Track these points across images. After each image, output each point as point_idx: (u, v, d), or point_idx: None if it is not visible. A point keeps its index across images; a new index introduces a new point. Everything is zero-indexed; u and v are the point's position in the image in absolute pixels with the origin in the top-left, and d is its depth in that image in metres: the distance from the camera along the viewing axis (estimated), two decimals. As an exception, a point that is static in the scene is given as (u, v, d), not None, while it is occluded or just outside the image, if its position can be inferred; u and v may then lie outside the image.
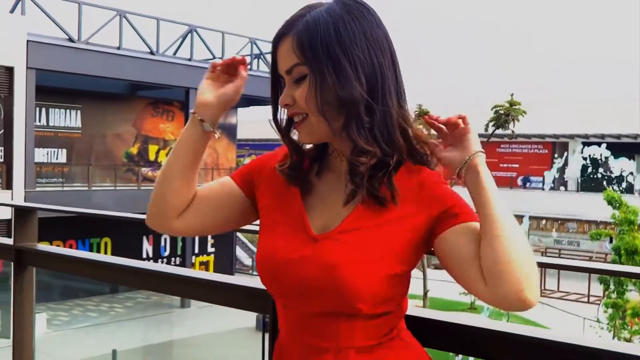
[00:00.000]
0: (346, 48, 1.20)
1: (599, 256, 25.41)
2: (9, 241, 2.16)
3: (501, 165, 32.24)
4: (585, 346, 1.31)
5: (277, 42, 1.25)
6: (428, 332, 1.43)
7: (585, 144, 30.29)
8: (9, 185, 16.95)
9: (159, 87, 19.87)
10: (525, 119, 29.95)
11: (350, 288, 1.18)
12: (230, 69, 1.35)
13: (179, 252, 22.80)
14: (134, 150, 22.00)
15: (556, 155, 31.18)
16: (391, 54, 1.26)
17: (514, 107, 13.63)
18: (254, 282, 1.60)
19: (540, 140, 31.50)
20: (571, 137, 30.51)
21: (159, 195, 1.34)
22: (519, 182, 32.02)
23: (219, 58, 19.23)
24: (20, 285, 2.13)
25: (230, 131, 24.78)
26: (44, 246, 2.23)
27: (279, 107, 1.29)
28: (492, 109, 13.85)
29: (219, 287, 1.75)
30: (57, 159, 20.37)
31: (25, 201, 17.09)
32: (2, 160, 17.44)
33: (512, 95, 13.84)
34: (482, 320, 1.48)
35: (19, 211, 2.14)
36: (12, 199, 16.99)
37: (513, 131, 14.17)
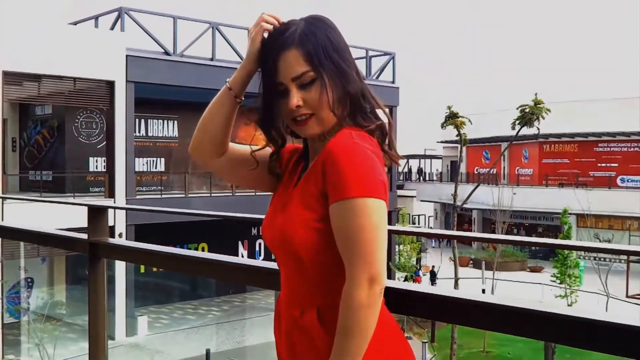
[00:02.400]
0: (339, 51, 1.45)
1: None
2: (84, 236, 2.39)
3: (599, 165, 31.18)
4: (538, 310, 1.41)
5: (278, 54, 1.44)
6: (395, 300, 1.54)
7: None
8: (111, 194, 17.67)
9: (252, 96, 20.27)
10: (623, 116, 28.94)
11: (289, 238, 1.39)
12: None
13: (273, 257, 23.21)
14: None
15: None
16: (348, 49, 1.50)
17: (538, 106, 13.32)
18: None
19: (640, 138, 30.23)
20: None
21: (199, 137, 1.62)
22: (619, 181, 30.84)
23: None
24: (94, 275, 2.35)
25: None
26: (114, 240, 2.45)
27: (273, 110, 1.49)
28: (517, 108, 13.67)
29: (252, 270, 1.93)
30: (156, 167, 21.07)
31: (126, 213, 17.84)
32: (104, 169, 18.28)
33: (536, 94, 13.55)
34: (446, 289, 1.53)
35: (92, 210, 2.36)
36: (115, 212, 17.74)
37: (539, 129, 13.86)
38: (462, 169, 30.99)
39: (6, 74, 15.90)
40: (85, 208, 2.41)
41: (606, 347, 1.31)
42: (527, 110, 13.53)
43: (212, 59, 18.78)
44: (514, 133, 18.44)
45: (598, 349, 1.34)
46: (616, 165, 30.82)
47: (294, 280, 1.46)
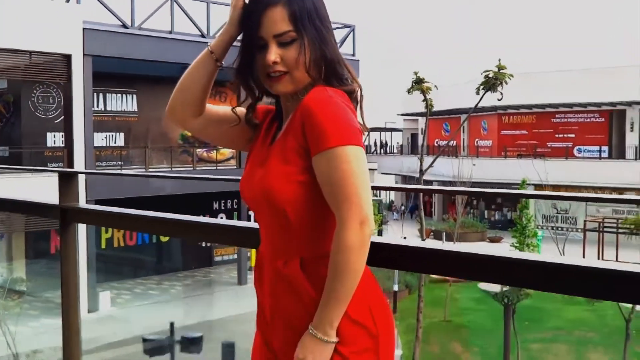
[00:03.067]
0: (322, 19, 1.53)
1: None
2: (55, 202, 2.47)
3: (556, 135, 31.68)
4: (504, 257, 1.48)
5: (264, 9, 1.49)
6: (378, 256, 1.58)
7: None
8: (72, 168, 17.52)
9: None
10: (581, 87, 29.38)
11: (271, 193, 1.45)
12: None
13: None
14: (189, 132, 22.49)
15: (614, 124, 30.52)
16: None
17: (501, 71, 13.65)
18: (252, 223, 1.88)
19: (597, 109, 30.75)
20: (629, 104, 29.66)
21: (177, 98, 1.66)
22: (575, 152, 31.33)
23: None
24: (66, 240, 2.42)
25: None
26: (85, 205, 2.54)
27: (252, 62, 1.54)
28: (482, 73, 13.99)
29: (228, 230, 2.04)
30: (115, 142, 20.91)
31: (86, 184, 17.72)
32: (62, 144, 18.08)
33: (499, 60, 13.88)
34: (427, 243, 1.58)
35: (63, 175, 2.44)
36: (77, 232, 17.58)
37: (502, 94, 14.16)
38: (423, 139, 31.17)
39: (-42, 47, 15.61)
40: (49, 177, 2.48)
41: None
42: (490, 75, 13.74)
43: (170, 32, 18.59)
44: (472, 105, 18.67)
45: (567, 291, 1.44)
46: (573, 136, 31.26)
47: (276, 233, 1.50)
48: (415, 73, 14.40)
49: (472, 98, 17.59)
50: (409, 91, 14.93)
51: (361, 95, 1.54)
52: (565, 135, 31.46)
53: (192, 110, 1.64)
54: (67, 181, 2.42)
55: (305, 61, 1.47)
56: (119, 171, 19.37)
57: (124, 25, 17.85)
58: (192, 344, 11.63)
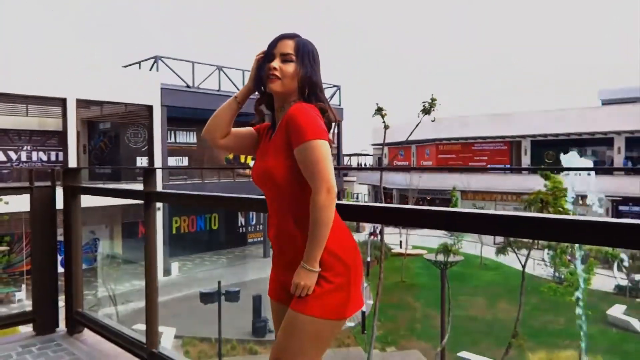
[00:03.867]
0: (315, 61, 1.56)
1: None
2: (141, 188, 2.51)
3: (475, 158, 31.68)
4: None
5: (281, 38, 1.55)
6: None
7: (532, 142, 29.67)
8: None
9: (247, 114, 20.19)
10: (491, 126, 29.54)
11: (270, 174, 1.48)
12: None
13: (261, 221, 23.32)
14: (231, 156, 22.56)
15: (513, 150, 30.59)
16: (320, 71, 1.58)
17: (434, 101, 13.72)
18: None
19: (502, 140, 30.87)
20: (523, 137, 29.79)
21: (212, 126, 1.66)
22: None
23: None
24: (148, 216, 2.46)
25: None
26: (160, 190, 2.57)
27: (265, 68, 1.53)
28: (421, 103, 13.99)
29: (251, 201, 2.07)
30: (182, 163, 20.95)
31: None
32: (147, 165, 18.15)
33: (432, 94, 14.01)
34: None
35: (146, 171, 2.49)
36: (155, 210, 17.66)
37: (434, 118, 14.25)
38: (385, 161, 31.27)
39: (79, 100, 15.70)
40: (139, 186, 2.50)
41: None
42: (426, 105, 13.78)
43: (218, 90, 18.72)
44: (420, 138, 18.79)
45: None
46: (486, 158, 31.38)
47: (276, 201, 1.52)
48: (377, 104, 14.40)
49: (419, 134, 17.69)
50: (373, 115, 14.77)
51: (334, 117, 1.56)
52: (480, 158, 31.53)
53: (220, 133, 1.66)
54: (149, 175, 2.47)
55: (294, 75, 1.51)
56: (183, 165, 19.57)
57: (188, 85, 17.95)
58: (232, 295, 11.62)
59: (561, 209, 12.03)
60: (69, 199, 3.16)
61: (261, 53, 1.59)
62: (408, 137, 15.00)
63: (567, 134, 27.78)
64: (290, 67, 1.51)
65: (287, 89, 1.53)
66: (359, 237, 23.96)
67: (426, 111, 13.60)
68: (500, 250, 14.11)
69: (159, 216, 18.00)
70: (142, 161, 18.46)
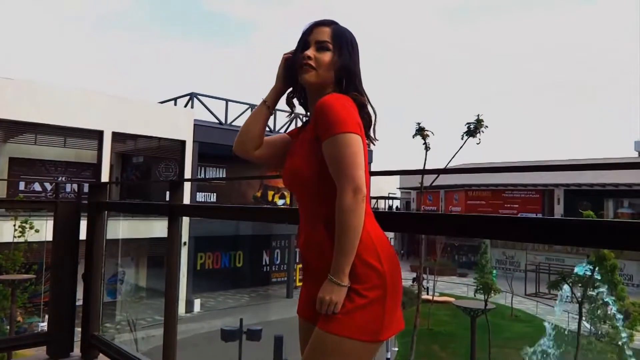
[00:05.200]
0: (354, 49, 1.41)
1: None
2: (166, 203, 2.36)
3: (505, 205, 31.01)
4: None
5: (317, 25, 1.41)
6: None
7: (566, 191, 28.86)
8: (180, 215, 17.65)
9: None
10: (522, 174, 28.96)
11: (297, 174, 1.33)
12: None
13: (285, 261, 22.98)
14: (259, 194, 22.57)
15: (545, 199, 29.80)
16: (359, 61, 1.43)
17: (480, 122, 12.83)
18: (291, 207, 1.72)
19: (534, 188, 30.17)
20: (556, 186, 29.07)
21: (242, 137, 1.51)
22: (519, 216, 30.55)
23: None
24: (172, 231, 2.30)
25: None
26: (185, 203, 2.42)
27: (299, 57, 1.40)
28: (465, 125, 12.93)
29: (273, 211, 1.89)
30: (210, 199, 20.91)
31: (189, 226, 17.76)
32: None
33: (478, 115, 12.97)
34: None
35: (173, 183, 2.35)
36: (181, 225, 17.70)
37: (480, 139, 13.09)
38: (414, 205, 30.82)
39: (115, 133, 16.04)
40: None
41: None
42: (471, 126, 12.86)
43: (250, 128, 18.91)
44: (447, 183, 18.30)
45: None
46: (517, 205, 30.68)
47: (305, 204, 1.37)
48: (418, 123, 13.46)
49: (446, 179, 17.34)
50: (413, 136, 13.74)
51: (374, 113, 1.39)
52: (511, 205, 30.81)
53: (253, 144, 1.50)
54: (175, 188, 2.32)
55: (331, 63, 1.36)
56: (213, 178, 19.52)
57: (220, 122, 18.21)
58: (254, 334, 11.27)
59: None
60: (94, 214, 3.03)
61: (289, 53, 1.46)
62: (450, 159, 14.08)
63: (602, 185, 26.98)
64: (326, 56, 1.37)
65: (323, 80, 1.38)
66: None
67: (471, 133, 12.79)
68: (553, 284, 13.26)
69: (184, 252, 17.93)
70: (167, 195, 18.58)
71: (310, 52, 1.38)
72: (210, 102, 18.32)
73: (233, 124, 18.60)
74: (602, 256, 13.16)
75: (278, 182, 23.09)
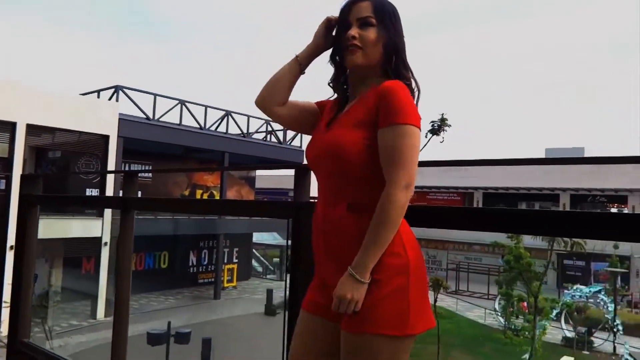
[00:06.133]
0: (398, 22, 1.34)
1: (494, 267, 25.34)
2: (119, 195, 2.20)
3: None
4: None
5: (355, 2, 1.34)
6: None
7: (484, 194, 30.54)
8: (100, 214, 16.71)
9: (205, 151, 19.94)
10: (444, 177, 30.30)
11: (339, 150, 1.25)
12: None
13: (213, 262, 22.45)
14: (186, 192, 21.90)
15: (466, 202, 31.33)
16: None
17: (444, 121, 13.21)
18: (280, 202, 1.66)
19: (455, 191, 31.63)
20: (475, 189, 30.65)
21: (268, 90, 1.42)
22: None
23: (247, 133, 18.98)
24: (125, 225, 2.15)
25: (250, 182, 24.79)
26: (140, 197, 2.27)
27: (342, 40, 1.33)
28: (429, 123, 13.21)
29: (258, 205, 1.81)
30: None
31: (111, 226, 16.89)
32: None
33: (442, 114, 13.34)
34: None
35: (127, 175, 2.20)
36: (102, 225, 16.79)
37: (444, 137, 13.41)
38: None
39: (29, 126, 14.91)
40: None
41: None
42: (435, 125, 13.03)
43: (179, 124, 18.33)
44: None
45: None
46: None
47: (332, 182, 1.29)
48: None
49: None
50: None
51: (419, 91, 1.34)
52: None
53: (278, 99, 1.41)
54: (129, 179, 2.16)
55: (378, 41, 1.30)
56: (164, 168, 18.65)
57: (148, 118, 17.48)
58: (182, 337, 10.90)
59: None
60: (25, 210, 2.76)
61: (333, 17, 1.39)
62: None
63: (516, 189, 28.81)
64: (371, 33, 1.31)
65: (371, 59, 1.31)
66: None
67: (434, 132, 12.92)
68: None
69: (105, 252, 17.02)
70: (91, 193, 17.56)
71: (354, 32, 1.31)
72: (138, 97, 17.53)
73: (162, 119, 17.91)
74: (519, 255, 14.02)
75: (206, 181, 22.54)
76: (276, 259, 28.80)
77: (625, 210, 27.26)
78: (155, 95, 17.56)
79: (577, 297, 19.35)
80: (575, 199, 28.18)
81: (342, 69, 1.39)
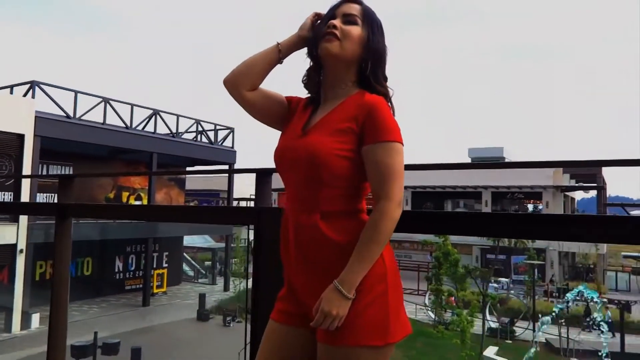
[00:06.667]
0: (382, 32, 1.31)
1: (424, 264, 26.27)
2: (54, 202, 2.01)
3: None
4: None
5: (347, 1, 1.31)
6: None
7: (413, 193, 31.56)
8: (16, 219, 15.56)
9: (132, 152, 19.07)
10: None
11: (318, 160, 1.21)
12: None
13: (141, 267, 21.53)
14: (111, 195, 20.86)
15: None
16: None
17: None
18: (240, 208, 1.58)
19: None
20: (405, 188, 31.62)
21: (241, 70, 1.34)
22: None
23: (176, 133, 18.38)
24: (61, 234, 1.96)
25: (180, 184, 24.05)
26: (80, 203, 2.08)
27: (324, 27, 1.29)
28: None
29: (216, 211, 1.70)
30: (53, 200, 18.88)
31: (27, 232, 15.76)
32: (11, 201, 16.07)
33: None
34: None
35: (63, 178, 2.01)
36: (17, 231, 15.65)
37: None
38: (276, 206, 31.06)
39: None
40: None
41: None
42: None
43: (103, 123, 17.40)
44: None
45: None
46: (370, 207, 32.57)
47: (305, 191, 1.24)
48: None
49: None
50: None
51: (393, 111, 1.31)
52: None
53: (249, 82, 1.33)
54: (65, 184, 1.98)
55: (359, 41, 1.27)
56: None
57: (68, 116, 16.44)
58: (110, 348, 10.33)
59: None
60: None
61: (322, 13, 1.35)
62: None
63: (443, 187, 30.02)
64: (353, 29, 1.27)
65: (346, 54, 1.27)
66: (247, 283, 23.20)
67: None
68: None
69: (20, 261, 15.84)
70: (3, 196, 16.27)
71: (336, 22, 1.27)
72: (57, 93, 16.43)
73: (83, 118, 16.91)
74: (447, 252, 14.60)
75: (133, 183, 21.59)
76: (208, 262, 28.15)
77: (540, 206, 29.27)
78: (76, 92, 16.55)
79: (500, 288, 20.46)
80: (496, 196, 29.83)
81: (317, 67, 1.35)
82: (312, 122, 1.30)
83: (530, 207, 30.99)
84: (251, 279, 1.50)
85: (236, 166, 23.57)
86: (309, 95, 1.38)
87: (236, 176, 25.51)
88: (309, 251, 1.22)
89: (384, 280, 1.19)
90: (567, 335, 15.74)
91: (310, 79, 1.36)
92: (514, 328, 18.49)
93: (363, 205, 1.27)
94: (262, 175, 1.60)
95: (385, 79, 1.30)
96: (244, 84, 1.33)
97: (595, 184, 29.41)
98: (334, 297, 1.14)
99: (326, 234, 1.20)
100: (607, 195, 32.74)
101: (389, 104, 1.28)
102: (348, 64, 1.28)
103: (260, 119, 1.39)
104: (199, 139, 21.52)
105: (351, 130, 1.22)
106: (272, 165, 1.35)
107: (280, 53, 1.35)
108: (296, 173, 1.26)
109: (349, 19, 1.28)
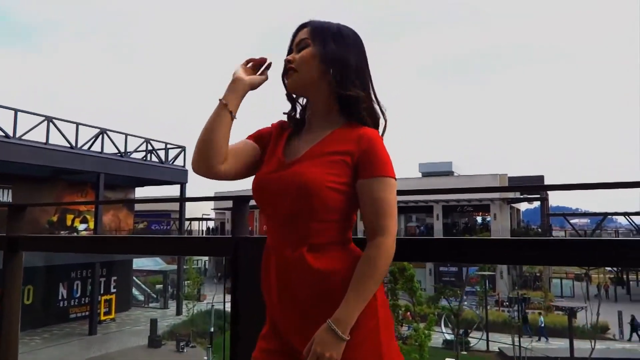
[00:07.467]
0: (342, 38, 1.26)
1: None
2: (2, 233, 1.82)
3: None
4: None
5: (297, 31, 1.29)
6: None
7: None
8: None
9: (77, 172, 18.26)
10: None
11: (309, 192, 1.15)
12: (256, 68, 1.31)
13: (87, 294, 20.50)
14: (54, 218, 19.84)
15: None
16: (360, 54, 1.27)
17: None
18: (215, 238, 1.48)
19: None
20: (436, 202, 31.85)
21: (205, 148, 1.22)
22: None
23: (124, 152, 17.77)
24: (11, 269, 1.78)
25: (129, 205, 23.22)
26: (33, 235, 1.91)
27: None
28: None
29: (188, 242, 1.60)
30: (-10, 226, 17.75)
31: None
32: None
33: None
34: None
35: (13, 208, 1.83)
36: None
37: None
38: (229, 226, 30.41)
39: None
40: None
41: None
42: None
43: (46, 143, 16.59)
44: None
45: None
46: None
47: (290, 224, 1.18)
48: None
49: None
50: None
51: (384, 119, 1.28)
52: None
53: (219, 157, 1.22)
54: (15, 214, 1.81)
55: (312, 59, 1.23)
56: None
57: (7, 136, 15.57)
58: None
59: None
60: None
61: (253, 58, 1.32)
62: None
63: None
64: (305, 53, 1.24)
65: (306, 79, 1.23)
66: (200, 306, 22.54)
67: None
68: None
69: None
70: None
71: (291, 56, 1.25)
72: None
73: (24, 137, 16.07)
74: (403, 267, 14.76)
75: (78, 205, 20.66)
76: (159, 286, 27.20)
77: (489, 218, 30.26)
78: (16, 110, 15.73)
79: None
80: (447, 209, 30.59)
81: (294, 103, 1.33)
82: (297, 152, 1.25)
83: (479, 219, 31.99)
84: (229, 316, 1.41)
85: (188, 185, 23.02)
86: (281, 120, 1.35)
87: (190, 192, 24.86)
88: (294, 285, 1.16)
89: (375, 315, 1.15)
90: (520, 344, 16.19)
91: (291, 118, 1.33)
92: (468, 339, 18.85)
93: (350, 234, 1.23)
94: (240, 202, 1.51)
95: (355, 83, 1.23)
96: (214, 162, 1.23)
97: (538, 196, 30.71)
98: (328, 339, 1.07)
99: (313, 265, 1.14)
100: (549, 206, 34.26)
101: (384, 124, 1.27)
102: (316, 86, 1.24)
103: (244, 177, 1.31)
104: (148, 158, 20.92)
105: (345, 163, 1.18)
106: (249, 192, 1.28)
107: (230, 112, 1.24)
108: (281, 205, 1.19)
109: (300, 46, 1.26)
